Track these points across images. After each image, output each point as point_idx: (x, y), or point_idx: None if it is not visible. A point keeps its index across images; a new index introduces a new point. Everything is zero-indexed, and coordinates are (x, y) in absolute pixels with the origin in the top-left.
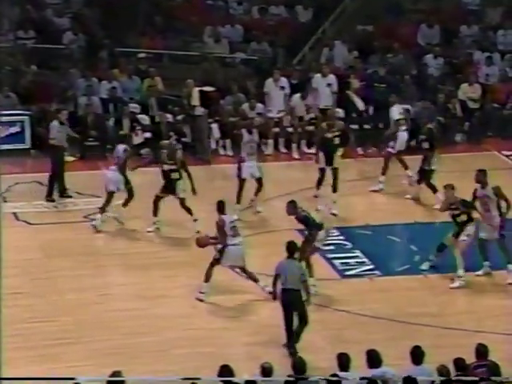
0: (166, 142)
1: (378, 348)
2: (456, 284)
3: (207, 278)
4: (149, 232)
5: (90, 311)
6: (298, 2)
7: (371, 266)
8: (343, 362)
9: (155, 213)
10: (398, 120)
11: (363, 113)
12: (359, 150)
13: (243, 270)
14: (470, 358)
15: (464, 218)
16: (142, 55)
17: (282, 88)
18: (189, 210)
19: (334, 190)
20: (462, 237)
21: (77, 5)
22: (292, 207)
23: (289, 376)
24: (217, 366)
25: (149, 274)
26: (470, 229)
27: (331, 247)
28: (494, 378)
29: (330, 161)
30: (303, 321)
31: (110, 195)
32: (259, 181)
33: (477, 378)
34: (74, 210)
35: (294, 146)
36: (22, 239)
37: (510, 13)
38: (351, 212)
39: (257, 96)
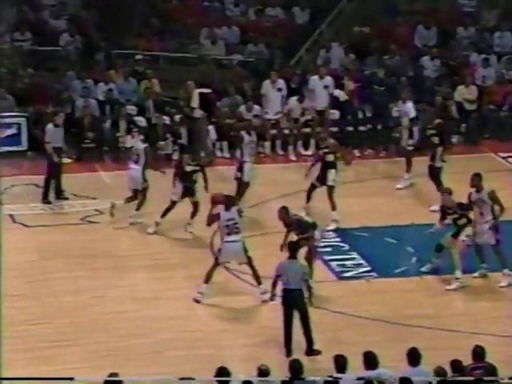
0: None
1: (374, 350)
2: (453, 286)
3: (207, 279)
4: (149, 233)
5: (86, 313)
6: (295, 4)
7: (368, 268)
8: (340, 363)
9: (165, 215)
10: (413, 118)
11: (357, 112)
12: (356, 152)
13: (249, 265)
14: (467, 360)
15: (464, 220)
16: (138, 57)
17: (279, 90)
18: (195, 213)
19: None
20: (462, 237)
21: (73, 7)
22: (284, 213)
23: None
24: (213, 368)
25: (144, 276)
26: (469, 229)
27: (328, 249)
28: (490, 379)
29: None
30: (306, 321)
31: (142, 193)
32: (247, 184)
33: (472, 379)
34: (70, 212)
35: (290, 147)
36: (19, 241)
37: (506, 15)
38: (348, 214)
39: (254, 98)
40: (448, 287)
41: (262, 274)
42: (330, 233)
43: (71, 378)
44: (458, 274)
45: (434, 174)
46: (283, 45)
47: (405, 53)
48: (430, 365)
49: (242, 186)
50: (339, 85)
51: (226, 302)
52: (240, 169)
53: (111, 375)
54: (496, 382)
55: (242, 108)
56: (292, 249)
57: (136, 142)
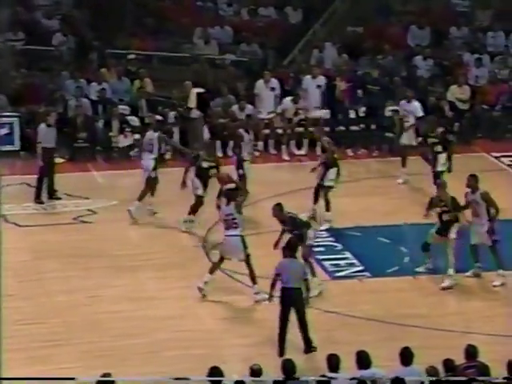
0: (208, 140)
1: (367, 349)
2: (446, 283)
3: (212, 270)
4: (183, 231)
5: (80, 313)
6: (288, 4)
7: (361, 268)
8: (333, 363)
9: (194, 212)
10: (420, 117)
11: (348, 111)
12: (349, 152)
13: (246, 263)
14: (460, 359)
15: (448, 217)
16: (131, 56)
17: (273, 89)
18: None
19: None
20: (452, 235)
21: (66, 6)
22: (278, 210)
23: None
24: (208, 367)
25: (138, 276)
26: (454, 229)
27: (321, 249)
28: (482, 378)
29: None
30: (303, 320)
31: (152, 183)
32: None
33: (465, 378)
34: (63, 211)
35: (283, 147)
36: (12, 241)
37: (499, 15)
38: (341, 213)
39: (247, 97)
40: (442, 285)
41: (256, 273)
42: (323, 232)
43: (73, 378)
44: (451, 271)
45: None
46: (276, 45)
47: (398, 53)
48: (422, 364)
49: (245, 182)
50: (331, 85)
51: (221, 302)
52: (240, 166)
53: (104, 375)
54: (488, 381)
55: (235, 107)
56: (291, 248)
57: (150, 132)
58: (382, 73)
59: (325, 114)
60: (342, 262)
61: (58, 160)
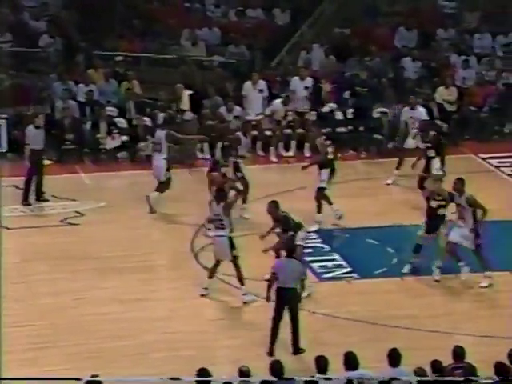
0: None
1: (355, 350)
2: (437, 277)
3: (211, 275)
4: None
5: (67, 315)
6: (276, 5)
7: (349, 269)
8: (321, 364)
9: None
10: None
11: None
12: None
13: (234, 263)
14: (447, 360)
15: (445, 211)
16: (119, 58)
17: (261, 91)
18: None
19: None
20: (444, 230)
21: (54, 8)
22: (273, 207)
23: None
24: (196, 369)
25: (126, 278)
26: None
27: (309, 250)
28: (469, 379)
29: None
30: (295, 320)
31: (165, 184)
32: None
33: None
34: (50, 213)
35: (271, 149)
36: None
37: (486, 17)
38: (329, 215)
39: (235, 99)
40: (435, 278)
41: (245, 274)
42: (312, 234)
43: (78, 379)
44: (439, 263)
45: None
46: (264, 46)
47: (385, 54)
48: (410, 365)
49: (246, 183)
50: (317, 87)
51: (210, 303)
52: (238, 169)
53: (92, 377)
54: (476, 381)
55: (223, 109)
56: (289, 248)
57: (157, 132)
58: (370, 74)
59: (312, 115)
60: (329, 264)
61: (46, 162)
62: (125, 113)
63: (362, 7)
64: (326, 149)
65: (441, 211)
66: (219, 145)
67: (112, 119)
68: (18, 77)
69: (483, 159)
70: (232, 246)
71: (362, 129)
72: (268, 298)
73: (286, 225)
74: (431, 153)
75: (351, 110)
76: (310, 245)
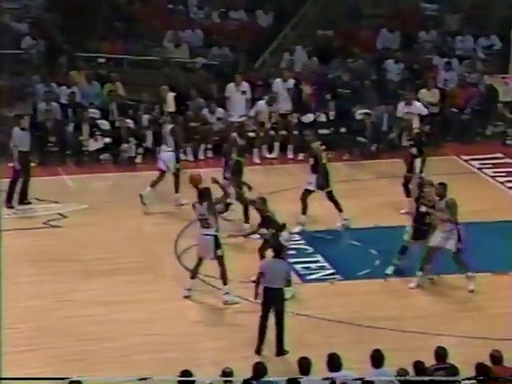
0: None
1: (338, 352)
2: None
3: (193, 275)
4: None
5: (50, 317)
6: (259, 7)
7: (332, 271)
8: (304, 366)
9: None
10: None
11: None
12: None
13: (219, 262)
14: (430, 361)
15: (433, 220)
16: (102, 60)
17: (244, 93)
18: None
19: (340, 209)
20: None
21: (36, 10)
22: (261, 203)
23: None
24: (180, 371)
25: (109, 280)
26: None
27: (292, 252)
28: (452, 379)
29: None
30: (281, 321)
31: (175, 175)
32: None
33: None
34: (33, 216)
35: (255, 150)
36: None
37: (467, 19)
38: (312, 216)
39: (218, 101)
40: (410, 285)
41: (229, 276)
42: (295, 235)
43: (77, 380)
44: (420, 273)
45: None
46: (247, 48)
47: (368, 56)
48: (393, 366)
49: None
50: (298, 89)
51: (193, 305)
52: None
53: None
54: (458, 382)
55: (206, 111)
56: (276, 248)
57: (164, 126)
58: (352, 76)
59: (294, 117)
60: (313, 265)
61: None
62: (107, 115)
63: (344, 9)
64: (321, 153)
65: (429, 219)
66: (202, 147)
67: (95, 121)
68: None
69: (465, 161)
70: (218, 246)
71: (344, 130)
72: (256, 296)
73: (268, 224)
74: (414, 151)
75: (333, 112)
76: (293, 246)
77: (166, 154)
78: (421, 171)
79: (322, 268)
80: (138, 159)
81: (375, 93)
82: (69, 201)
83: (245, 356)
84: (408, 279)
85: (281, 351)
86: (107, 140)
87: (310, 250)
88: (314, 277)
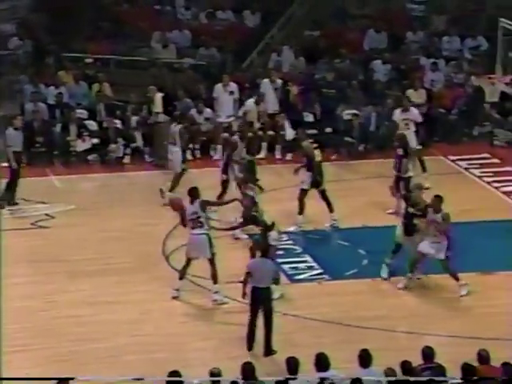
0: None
1: (326, 351)
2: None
3: (181, 276)
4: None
5: (38, 318)
6: (246, 7)
7: (320, 271)
8: (292, 366)
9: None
10: (420, 122)
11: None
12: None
13: (210, 262)
14: (417, 361)
15: (418, 223)
16: (89, 60)
17: (231, 93)
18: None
19: (331, 209)
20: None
21: (23, 10)
22: (250, 201)
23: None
24: (168, 371)
25: (97, 281)
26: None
27: (280, 252)
28: (438, 379)
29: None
30: (269, 320)
31: (180, 175)
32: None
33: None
34: (20, 216)
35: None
36: None
37: (454, 20)
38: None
39: (206, 101)
40: (398, 285)
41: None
42: (283, 235)
43: (72, 378)
44: (409, 275)
45: (404, 184)
46: (235, 48)
47: (355, 56)
48: (380, 366)
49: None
50: (285, 89)
51: (181, 305)
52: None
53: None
54: (445, 382)
55: (193, 111)
56: (264, 248)
57: (172, 126)
58: (340, 76)
59: (282, 117)
60: (301, 265)
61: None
62: (95, 115)
63: (331, 10)
64: (312, 151)
65: (415, 221)
66: (190, 147)
67: (82, 121)
68: None
69: (452, 161)
70: (210, 244)
71: (329, 130)
72: (244, 295)
73: (253, 223)
74: (400, 151)
75: (318, 112)
76: (281, 246)
77: (175, 154)
78: (405, 171)
79: (310, 268)
80: (126, 160)
81: (362, 93)
82: (56, 201)
83: (233, 356)
84: (396, 279)
85: (269, 351)
86: (95, 140)
87: (299, 249)
88: (302, 277)
